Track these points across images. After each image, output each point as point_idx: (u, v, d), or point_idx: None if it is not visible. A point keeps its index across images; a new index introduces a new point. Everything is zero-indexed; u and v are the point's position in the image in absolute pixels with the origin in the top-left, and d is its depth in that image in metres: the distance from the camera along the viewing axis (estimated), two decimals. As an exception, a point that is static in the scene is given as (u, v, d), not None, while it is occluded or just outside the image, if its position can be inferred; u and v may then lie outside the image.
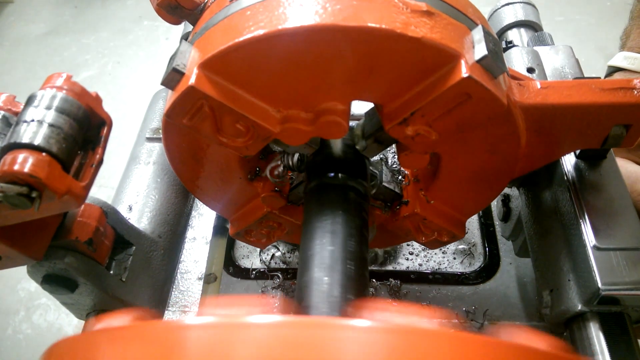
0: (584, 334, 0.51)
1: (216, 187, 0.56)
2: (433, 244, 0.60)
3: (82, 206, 0.54)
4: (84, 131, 0.44)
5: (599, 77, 0.53)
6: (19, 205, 0.39)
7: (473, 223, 0.78)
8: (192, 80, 0.40)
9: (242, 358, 0.24)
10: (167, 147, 0.50)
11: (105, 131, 0.47)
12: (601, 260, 0.50)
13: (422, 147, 0.45)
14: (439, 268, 0.73)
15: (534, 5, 0.92)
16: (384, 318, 0.26)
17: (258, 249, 0.77)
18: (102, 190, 1.87)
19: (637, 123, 0.48)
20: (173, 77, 0.41)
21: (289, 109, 0.43)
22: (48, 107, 0.41)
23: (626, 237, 0.51)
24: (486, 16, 0.81)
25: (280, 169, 0.54)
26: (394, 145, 0.50)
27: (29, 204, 0.39)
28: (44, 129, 0.40)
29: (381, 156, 0.61)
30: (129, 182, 0.70)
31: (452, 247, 0.75)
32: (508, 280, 0.71)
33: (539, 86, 0.47)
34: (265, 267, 0.74)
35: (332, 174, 0.50)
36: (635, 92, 0.46)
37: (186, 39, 0.46)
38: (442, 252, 0.74)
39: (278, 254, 0.76)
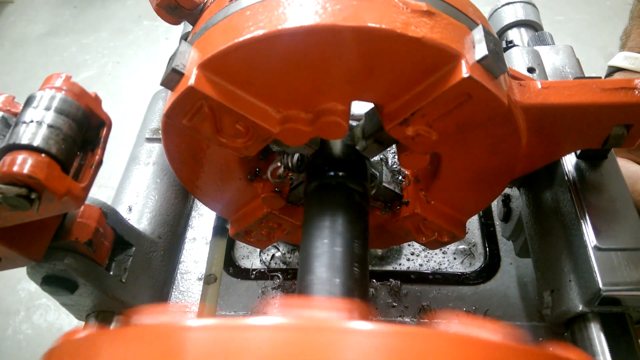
0: (585, 334, 0.51)
1: (216, 188, 0.56)
2: (433, 244, 0.60)
3: (82, 207, 0.54)
4: (83, 132, 0.44)
5: (600, 77, 0.53)
6: (18, 206, 0.39)
7: (473, 223, 0.77)
8: (191, 81, 0.39)
9: (243, 359, 0.24)
10: (167, 148, 0.50)
11: (104, 132, 0.47)
12: (602, 260, 0.50)
13: (422, 148, 0.45)
14: (439, 268, 0.73)
15: (534, 5, 0.92)
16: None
17: (258, 250, 0.77)
18: (102, 190, 1.87)
19: (638, 123, 0.48)
20: (172, 77, 0.41)
21: (289, 110, 0.43)
22: (47, 108, 0.41)
23: (627, 237, 0.51)
24: (486, 16, 0.81)
25: (281, 170, 0.54)
26: (394, 146, 0.50)
27: (28, 205, 0.39)
28: (43, 130, 0.40)
29: (381, 156, 0.61)
30: (128, 182, 0.70)
31: (452, 247, 0.75)
32: (508, 280, 0.71)
33: (539, 86, 0.47)
34: (266, 267, 0.74)
35: (332, 175, 0.50)
36: (636, 92, 0.46)
37: (186, 39, 0.46)
38: (443, 252, 0.74)
39: (278, 254, 0.76)
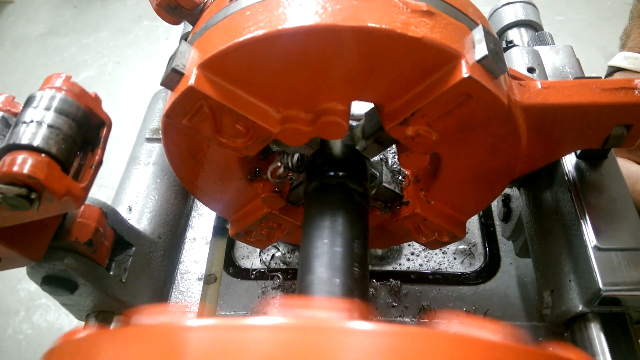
0: (585, 334, 0.51)
1: (216, 188, 0.56)
2: (433, 244, 0.60)
3: (82, 207, 0.54)
4: (83, 132, 0.44)
5: (600, 77, 0.53)
6: (18, 206, 0.39)
7: (473, 223, 0.77)
8: (191, 81, 0.39)
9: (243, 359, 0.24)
10: (167, 148, 0.50)
11: (104, 132, 0.47)
12: (602, 260, 0.50)
13: (422, 148, 0.45)
14: (439, 268, 0.73)
15: (534, 5, 0.92)
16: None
17: (258, 250, 0.77)
18: (102, 190, 1.87)
19: (638, 123, 0.48)
20: (172, 77, 0.41)
21: (289, 110, 0.43)
22: (47, 108, 0.41)
23: (627, 237, 0.51)
24: (486, 16, 0.81)
25: (281, 170, 0.54)
26: (394, 146, 0.50)
27: (28, 205, 0.39)
28: (43, 130, 0.40)
29: (381, 156, 0.61)
30: (128, 182, 0.70)
31: (452, 247, 0.75)
32: (508, 280, 0.70)
33: (539, 86, 0.47)
34: (266, 267, 0.74)
35: (332, 175, 0.50)
36: (636, 92, 0.46)
37: (186, 39, 0.46)
38: (443, 252, 0.74)
39: (278, 254, 0.76)
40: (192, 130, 0.44)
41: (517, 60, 0.68)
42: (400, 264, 0.74)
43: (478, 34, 0.40)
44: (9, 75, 2.53)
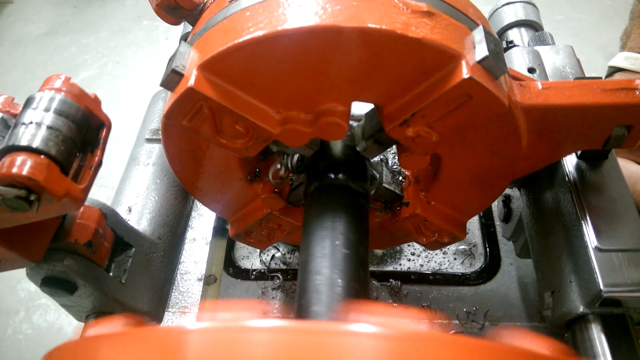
0: (585, 335, 0.51)
1: (216, 189, 0.56)
2: (434, 245, 0.60)
3: (81, 208, 0.54)
4: (82, 133, 0.44)
5: (600, 77, 0.53)
6: (17, 208, 0.39)
7: (474, 224, 0.77)
8: (191, 82, 0.39)
9: None
10: (167, 149, 0.50)
11: (104, 133, 0.47)
12: (603, 261, 0.50)
13: (422, 148, 0.45)
14: (439, 269, 0.72)
15: (534, 5, 0.92)
16: (388, 322, 0.26)
17: (258, 250, 0.76)
18: (101, 190, 1.87)
19: (639, 124, 0.48)
20: (172, 78, 0.41)
21: (289, 110, 0.43)
22: (46, 109, 0.41)
23: (628, 238, 0.51)
24: (486, 16, 0.81)
25: (282, 171, 0.54)
26: (394, 146, 0.50)
27: (27, 207, 0.39)
28: (43, 131, 0.40)
29: (381, 157, 0.61)
30: (128, 183, 0.70)
31: (452, 247, 0.75)
32: (509, 281, 0.70)
33: (540, 87, 0.47)
34: (265, 268, 0.74)
35: (333, 175, 0.50)
36: (637, 92, 0.46)
37: (185, 40, 0.46)
38: (443, 253, 0.74)
39: (278, 254, 0.76)
40: (192, 131, 0.44)
41: (518, 60, 0.68)
42: (400, 265, 0.73)
43: (478, 34, 0.40)
44: (8, 76, 2.53)
